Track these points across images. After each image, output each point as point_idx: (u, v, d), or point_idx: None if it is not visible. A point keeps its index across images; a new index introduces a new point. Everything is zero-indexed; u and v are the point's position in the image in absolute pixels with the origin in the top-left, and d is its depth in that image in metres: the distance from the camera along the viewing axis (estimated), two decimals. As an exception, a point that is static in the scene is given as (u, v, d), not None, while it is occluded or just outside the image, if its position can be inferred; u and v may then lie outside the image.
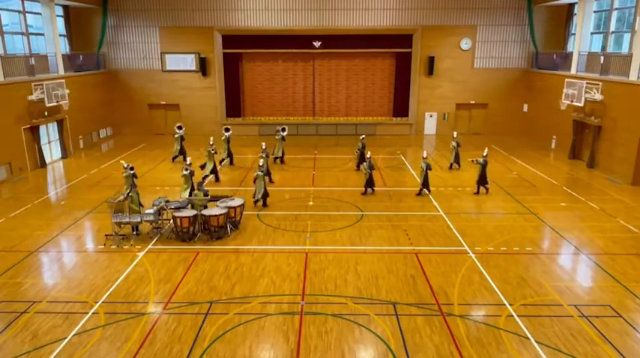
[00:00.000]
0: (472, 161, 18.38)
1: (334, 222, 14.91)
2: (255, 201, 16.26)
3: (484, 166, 17.46)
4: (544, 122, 26.76)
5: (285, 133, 22.31)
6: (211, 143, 19.76)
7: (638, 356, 8.57)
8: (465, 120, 30.00)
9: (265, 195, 16.16)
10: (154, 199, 14.30)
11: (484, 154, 17.83)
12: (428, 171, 17.36)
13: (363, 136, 21.72)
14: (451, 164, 21.49)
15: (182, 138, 22.62)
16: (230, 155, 21.96)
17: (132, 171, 15.86)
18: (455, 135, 21.56)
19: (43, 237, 13.90)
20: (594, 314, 9.85)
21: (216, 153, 19.62)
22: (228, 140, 21.84)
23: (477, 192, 17.72)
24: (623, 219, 15.25)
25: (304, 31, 28.43)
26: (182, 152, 22.61)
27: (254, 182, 16.84)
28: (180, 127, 22.72)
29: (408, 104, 29.75)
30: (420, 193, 17.62)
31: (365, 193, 17.57)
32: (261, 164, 16.67)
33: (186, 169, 15.92)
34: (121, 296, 10.59)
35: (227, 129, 22.10)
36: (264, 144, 19.42)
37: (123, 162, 16.95)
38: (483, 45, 28.69)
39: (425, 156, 17.91)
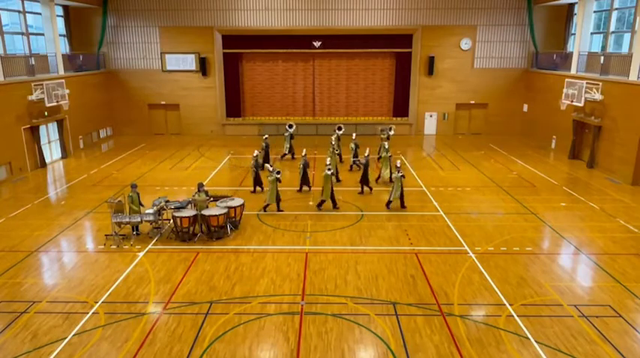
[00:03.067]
0: (354, 161, 18.62)
1: (334, 222, 14.91)
2: (388, 203, 16.10)
3: (366, 166, 17.45)
4: (544, 122, 26.75)
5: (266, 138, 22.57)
6: (333, 142, 19.89)
7: (638, 356, 8.57)
8: (464, 120, 29.99)
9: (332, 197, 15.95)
10: (153, 199, 14.32)
11: (366, 155, 17.87)
12: (306, 169, 17.57)
13: (266, 136, 21.83)
14: (351, 166, 20.97)
15: (292, 136, 22.77)
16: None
17: (278, 176, 15.47)
18: (354, 136, 21.32)
19: (43, 237, 13.90)
20: (594, 314, 9.85)
21: (339, 153, 19.66)
22: (338, 138, 22.08)
23: (362, 192, 17.71)
24: (623, 219, 15.25)
25: (304, 31, 28.43)
26: (291, 150, 22.83)
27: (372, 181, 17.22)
28: (290, 126, 22.89)
29: (408, 104, 29.75)
30: (300, 190, 17.87)
31: (254, 191, 17.76)
32: (398, 165, 16.30)
33: (329, 169, 15.60)
34: (121, 296, 10.59)
35: (339, 128, 22.38)
36: (368, 149, 19.32)
37: (268, 165, 16.39)
38: (483, 45, 28.69)
39: (304, 154, 17.94)
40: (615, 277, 11.43)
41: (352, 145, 20.89)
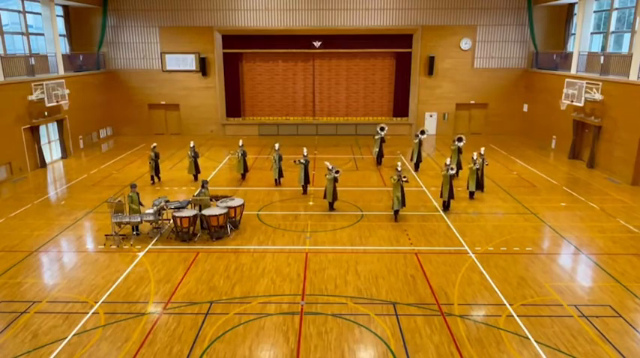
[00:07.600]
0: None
1: (334, 222, 14.91)
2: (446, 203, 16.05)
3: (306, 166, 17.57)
4: (544, 122, 26.75)
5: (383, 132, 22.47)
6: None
7: (638, 356, 8.56)
8: (465, 120, 29.99)
9: (452, 196, 15.96)
10: (154, 199, 14.32)
11: (304, 154, 17.94)
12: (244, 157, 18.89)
13: (154, 145, 20.09)
14: (277, 178, 19.80)
15: (382, 139, 22.59)
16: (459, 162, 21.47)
17: (337, 175, 15.56)
18: (277, 147, 19.78)
19: (43, 237, 13.90)
20: (594, 314, 9.85)
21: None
22: (459, 145, 21.41)
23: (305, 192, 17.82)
24: (623, 219, 15.25)
25: (304, 31, 28.43)
26: (381, 154, 22.70)
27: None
28: (382, 128, 22.66)
29: (408, 104, 29.75)
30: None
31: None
32: (448, 163, 16.31)
33: (452, 169, 15.67)
34: (121, 296, 10.58)
35: (460, 139, 21.18)
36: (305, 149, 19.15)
37: (327, 164, 15.90)
38: (483, 45, 28.69)
39: (241, 144, 19.41)
40: (615, 277, 11.43)
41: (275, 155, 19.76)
